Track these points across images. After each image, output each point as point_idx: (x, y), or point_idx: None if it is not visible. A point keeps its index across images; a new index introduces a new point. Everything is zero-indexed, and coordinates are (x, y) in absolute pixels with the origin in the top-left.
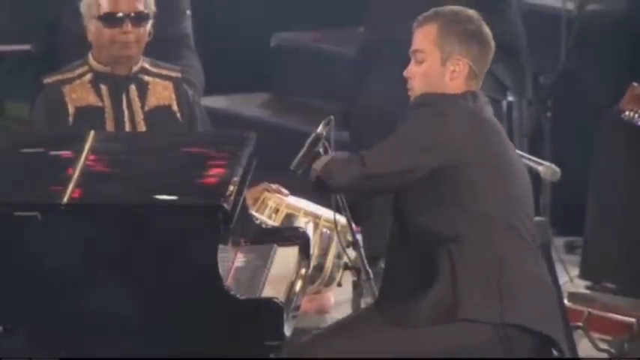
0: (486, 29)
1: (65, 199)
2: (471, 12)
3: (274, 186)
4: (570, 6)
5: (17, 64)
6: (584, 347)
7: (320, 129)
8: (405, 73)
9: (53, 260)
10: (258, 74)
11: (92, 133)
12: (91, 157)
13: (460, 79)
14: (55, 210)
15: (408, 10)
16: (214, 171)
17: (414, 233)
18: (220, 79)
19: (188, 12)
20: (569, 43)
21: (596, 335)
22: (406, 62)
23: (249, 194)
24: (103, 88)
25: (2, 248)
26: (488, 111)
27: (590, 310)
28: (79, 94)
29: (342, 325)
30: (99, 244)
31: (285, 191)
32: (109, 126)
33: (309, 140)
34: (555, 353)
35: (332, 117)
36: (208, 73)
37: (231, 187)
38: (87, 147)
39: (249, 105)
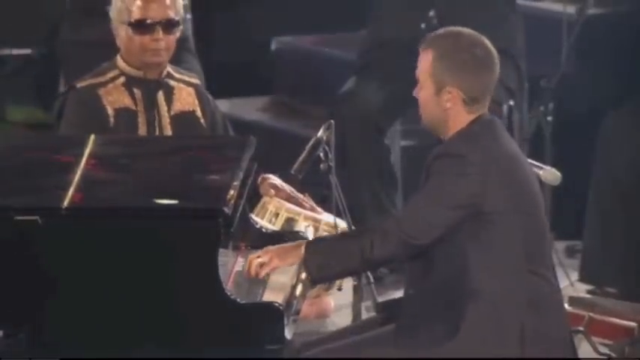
0: (486, 54)
1: (66, 204)
2: (473, 37)
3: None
4: (571, 10)
5: (18, 68)
6: (584, 351)
7: (320, 133)
8: (414, 94)
9: (54, 264)
10: (259, 78)
11: (92, 137)
12: (92, 161)
13: (457, 107)
14: (55, 214)
15: (410, 8)
16: (215, 175)
17: (438, 275)
18: (221, 83)
19: (188, 16)
20: (570, 47)
21: (596, 339)
22: (402, 67)
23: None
24: (137, 92)
25: (3, 252)
26: (504, 137)
27: (590, 314)
28: (114, 96)
29: (357, 347)
30: (99, 248)
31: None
32: (142, 130)
33: (310, 144)
34: None
35: (332, 121)
36: (209, 76)
37: (232, 191)
38: (87, 151)
39: (249, 109)
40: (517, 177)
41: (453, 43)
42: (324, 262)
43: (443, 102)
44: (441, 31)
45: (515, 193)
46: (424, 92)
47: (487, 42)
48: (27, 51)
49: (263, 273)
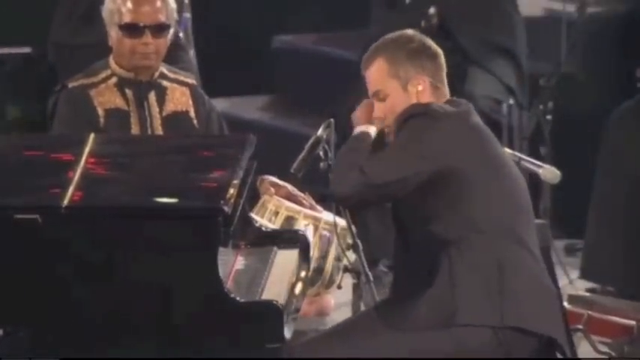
0: (428, 42)
1: (65, 202)
2: (409, 32)
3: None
4: (571, 9)
5: (18, 68)
6: (584, 350)
7: (320, 132)
8: (375, 115)
9: (53, 263)
10: (259, 77)
11: (92, 136)
12: (91, 159)
13: (426, 95)
14: (55, 213)
15: (410, 7)
16: (215, 174)
17: (415, 239)
18: (221, 82)
19: (188, 14)
20: (570, 46)
21: (595, 338)
22: None
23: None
24: (128, 92)
25: (2, 251)
26: (475, 117)
27: (589, 312)
28: (106, 97)
29: (341, 329)
30: (99, 246)
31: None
32: (135, 129)
33: (309, 143)
34: (558, 355)
35: (332, 120)
36: (209, 75)
37: (232, 190)
38: (87, 150)
39: (249, 107)
40: (482, 136)
41: (396, 41)
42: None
43: (413, 95)
44: (377, 43)
45: (482, 149)
46: (391, 98)
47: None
48: (26, 50)
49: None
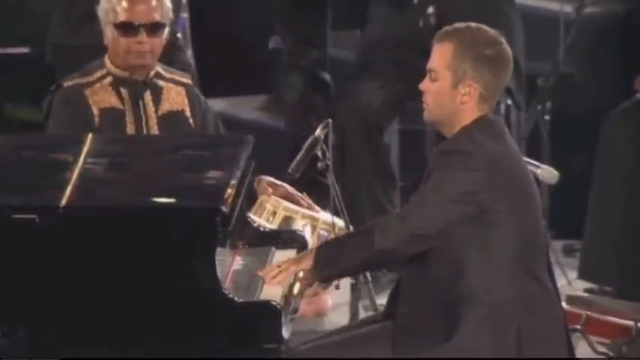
0: (506, 52)
1: (63, 202)
2: (492, 33)
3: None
4: (568, 9)
5: (16, 67)
6: (582, 350)
7: (318, 132)
8: (421, 87)
9: (51, 263)
10: (257, 77)
11: (90, 136)
12: (89, 160)
13: (471, 103)
14: (53, 213)
15: (408, 7)
16: (212, 173)
17: (433, 271)
18: (218, 82)
19: (185, 14)
20: (567, 46)
21: (594, 338)
22: (401, 66)
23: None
24: (124, 91)
25: (1, 251)
26: (506, 137)
27: (588, 312)
28: (101, 96)
29: (351, 341)
30: (97, 246)
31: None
32: (130, 129)
33: (307, 143)
34: None
35: (330, 120)
36: (206, 75)
37: (229, 190)
38: (85, 150)
39: (247, 107)
40: (516, 177)
41: (476, 39)
42: (331, 259)
43: (459, 96)
44: (460, 25)
45: (514, 193)
46: (439, 84)
47: (504, 41)
48: (24, 50)
49: (280, 278)
